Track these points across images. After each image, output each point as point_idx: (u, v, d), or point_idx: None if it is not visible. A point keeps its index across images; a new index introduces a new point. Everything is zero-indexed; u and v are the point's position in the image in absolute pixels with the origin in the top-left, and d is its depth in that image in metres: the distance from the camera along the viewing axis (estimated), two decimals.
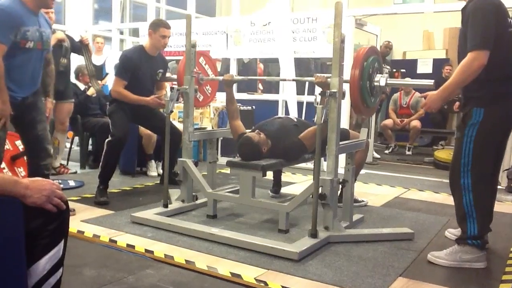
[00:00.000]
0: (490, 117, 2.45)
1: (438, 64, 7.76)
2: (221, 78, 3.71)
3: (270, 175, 3.84)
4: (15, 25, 2.69)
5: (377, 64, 2.91)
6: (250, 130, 3.47)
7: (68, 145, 5.73)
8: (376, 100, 3.03)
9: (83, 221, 3.17)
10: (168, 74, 4.24)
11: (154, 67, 3.97)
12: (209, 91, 3.97)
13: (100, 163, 3.81)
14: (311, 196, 2.83)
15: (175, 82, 3.84)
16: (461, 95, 2.63)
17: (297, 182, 4.78)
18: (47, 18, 3.02)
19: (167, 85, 4.38)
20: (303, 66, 6.72)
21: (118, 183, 4.38)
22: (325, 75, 3.04)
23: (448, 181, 2.78)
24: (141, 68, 3.88)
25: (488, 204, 2.60)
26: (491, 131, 2.49)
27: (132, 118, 3.96)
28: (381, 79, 2.88)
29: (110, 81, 6.45)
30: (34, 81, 2.94)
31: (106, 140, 3.80)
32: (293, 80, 4.12)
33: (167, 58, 4.29)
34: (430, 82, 2.79)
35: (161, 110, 4.13)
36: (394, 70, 7.62)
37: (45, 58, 3.03)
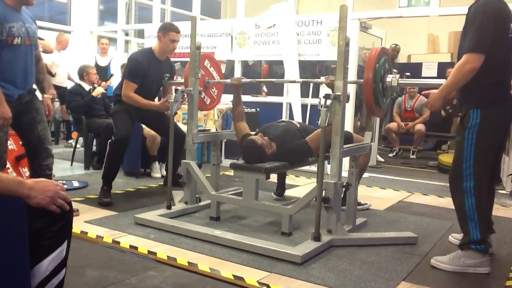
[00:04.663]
0: (488, 119, 2.47)
1: (443, 67, 7.73)
2: (228, 81, 3.71)
3: (274, 177, 3.84)
4: None
5: (388, 65, 2.94)
6: (254, 133, 3.47)
7: (72, 145, 5.77)
8: (387, 100, 3.06)
9: (87, 221, 3.17)
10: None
11: (161, 72, 3.97)
12: (215, 93, 3.98)
13: (104, 164, 3.82)
14: (314, 199, 2.83)
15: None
16: (457, 95, 2.65)
17: (301, 184, 4.77)
18: (30, 14, 3.01)
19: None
20: (308, 69, 6.72)
21: (122, 184, 4.39)
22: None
23: None
24: (149, 72, 3.87)
25: (489, 206, 2.60)
26: (491, 133, 2.50)
27: (137, 118, 3.98)
28: (392, 80, 2.91)
29: (114, 82, 6.48)
30: (27, 78, 2.94)
31: (109, 140, 3.81)
32: (303, 81, 4.13)
33: (172, 59, 4.28)
34: (441, 81, 2.82)
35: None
36: (398, 74, 7.60)
37: (35, 54, 3.02)
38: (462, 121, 2.55)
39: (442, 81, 2.82)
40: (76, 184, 4.33)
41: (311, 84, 5.74)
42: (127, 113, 3.85)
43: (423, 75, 8.06)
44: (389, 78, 2.93)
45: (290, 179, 4.76)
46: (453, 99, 2.92)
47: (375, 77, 2.83)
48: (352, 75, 5.06)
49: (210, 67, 3.87)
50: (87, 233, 2.95)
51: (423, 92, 2.97)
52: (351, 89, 5.06)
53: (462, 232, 2.62)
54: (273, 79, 4.27)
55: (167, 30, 3.85)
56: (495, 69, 2.43)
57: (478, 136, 2.47)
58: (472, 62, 2.38)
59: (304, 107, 5.62)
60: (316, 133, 3.24)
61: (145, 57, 3.90)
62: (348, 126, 5.01)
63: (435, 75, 7.96)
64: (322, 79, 3.21)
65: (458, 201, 2.58)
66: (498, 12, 2.41)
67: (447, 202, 4.16)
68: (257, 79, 4.07)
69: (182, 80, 3.83)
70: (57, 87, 6.36)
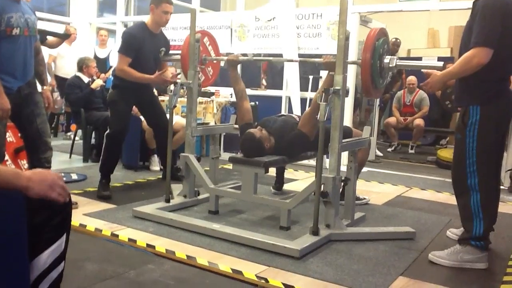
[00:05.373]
0: (488, 115, 2.47)
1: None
2: (225, 58, 3.69)
3: (272, 171, 3.84)
4: None
5: (387, 46, 2.94)
6: (255, 124, 3.48)
7: (71, 137, 5.76)
8: (384, 82, 3.06)
9: (85, 214, 3.18)
10: (172, 69, 4.21)
11: (157, 45, 3.89)
12: (211, 73, 3.94)
13: (101, 157, 3.81)
14: (313, 193, 2.83)
15: (179, 71, 3.84)
16: (455, 89, 2.66)
17: (300, 179, 4.78)
18: (30, 5, 2.99)
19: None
20: (308, 62, 6.69)
21: (120, 177, 4.39)
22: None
23: (450, 180, 2.78)
24: (144, 45, 3.77)
25: (494, 203, 2.60)
26: (491, 129, 2.50)
27: (134, 100, 3.93)
28: (391, 60, 2.91)
29: None
30: (27, 69, 2.92)
31: (105, 133, 3.80)
32: (300, 60, 4.19)
33: (172, 52, 4.25)
34: (440, 63, 2.85)
35: (162, 99, 4.09)
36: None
37: (34, 46, 3.01)
38: (462, 118, 2.54)
39: (440, 63, 2.84)
40: (75, 176, 4.33)
41: (311, 78, 5.73)
42: (124, 101, 3.79)
43: (423, 70, 8.03)
44: (387, 58, 2.93)
45: (289, 173, 4.76)
46: (452, 87, 2.93)
47: (373, 55, 2.83)
48: (351, 69, 5.05)
49: (209, 45, 3.82)
50: (86, 226, 2.95)
51: (423, 70, 2.97)
52: (351, 84, 5.06)
53: (464, 228, 2.62)
54: (271, 58, 4.34)
55: (160, 2, 3.75)
56: (497, 65, 2.41)
57: (479, 133, 2.47)
58: (480, 57, 2.36)
59: (303, 101, 5.61)
60: (304, 117, 3.27)
61: (138, 30, 3.82)
62: (347, 121, 5.01)
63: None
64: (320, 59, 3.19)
65: (463, 199, 2.57)
66: (506, 7, 2.39)
67: (446, 197, 4.18)
68: (254, 57, 4.18)
69: (179, 57, 3.77)
70: (63, 79, 6.32)
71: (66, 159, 5.27)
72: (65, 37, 4.64)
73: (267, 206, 3.41)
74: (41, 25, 4.52)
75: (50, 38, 5.12)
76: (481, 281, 2.42)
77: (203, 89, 4.86)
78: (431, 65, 2.90)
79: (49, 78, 6.28)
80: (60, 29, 6.63)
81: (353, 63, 3.33)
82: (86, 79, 5.33)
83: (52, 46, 5.19)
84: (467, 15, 2.58)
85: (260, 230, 2.97)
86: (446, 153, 5.81)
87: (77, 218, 3.02)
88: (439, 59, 7.93)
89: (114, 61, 6.68)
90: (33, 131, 3.02)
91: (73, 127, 5.71)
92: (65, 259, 1.55)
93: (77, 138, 5.65)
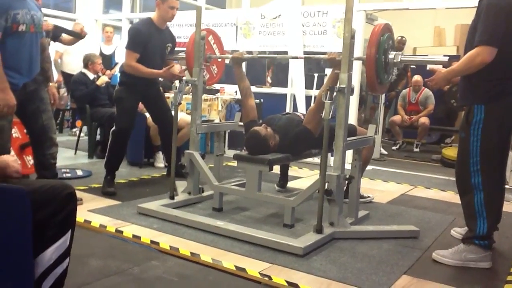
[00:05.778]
0: (492, 113, 2.46)
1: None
2: (230, 56, 3.69)
3: (277, 169, 3.84)
4: (4, 9, 2.66)
5: (391, 41, 2.94)
6: (260, 122, 3.48)
7: (77, 134, 5.77)
8: (389, 77, 3.06)
9: (90, 211, 3.19)
10: (178, 66, 4.21)
11: (163, 41, 3.90)
12: (215, 71, 3.94)
13: (106, 153, 3.82)
14: (317, 191, 2.83)
15: (185, 67, 3.85)
16: (459, 87, 2.66)
17: (304, 176, 4.77)
18: (36, 2, 2.99)
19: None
20: (313, 60, 6.68)
21: (125, 173, 4.41)
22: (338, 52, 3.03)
23: (454, 179, 2.77)
24: (151, 41, 3.77)
25: (498, 202, 2.60)
26: (496, 128, 2.49)
27: (142, 99, 3.94)
28: (395, 56, 2.92)
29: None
30: (32, 66, 2.92)
31: (111, 130, 3.81)
32: (305, 57, 4.20)
33: (177, 49, 4.25)
34: (445, 58, 2.85)
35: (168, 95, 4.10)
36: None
37: (40, 43, 3.02)
38: (466, 117, 2.54)
39: (445, 58, 2.84)
40: (80, 173, 4.35)
41: (316, 76, 5.72)
42: (130, 98, 3.80)
43: (428, 68, 8.00)
44: (391, 54, 2.93)
45: (293, 170, 4.76)
46: (457, 85, 2.93)
47: (378, 50, 2.83)
48: (356, 67, 5.04)
49: (213, 43, 3.82)
50: (90, 222, 2.97)
51: (429, 67, 2.98)
52: (356, 81, 5.05)
53: (468, 227, 2.62)
54: (275, 55, 4.36)
55: None
56: (501, 64, 2.40)
57: (483, 132, 2.46)
58: (484, 55, 2.36)
59: (308, 98, 5.60)
60: (308, 114, 3.29)
61: (145, 26, 3.82)
62: (352, 119, 5.00)
63: (441, 67, 7.89)
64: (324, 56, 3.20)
65: (467, 197, 2.57)
66: (511, 6, 2.38)
67: (450, 196, 4.17)
68: (259, 55, 4.30)
69: (184, 55, 3.77)
70: (69, 75, 6.34)
71: (71, 155, 5.29)
72: (80, 37, 4.69)
73: (271, 204, 3.42)
74: (59, 24, 4.58)
75: (65, 36, 5.15)
76: (484, 281, 2.41)
77: (207, 86, 4.87)
78: (436, 60, 2.90)
79: (56, 74, 6.31)
80: (67, 25, 6.64)
81: (358, 59, 3.33)
82: (91, 76, 5.35)
83: (66, 43, 5.25)
84: (473, 13, 2.57)
85: (264, 227, 2.98)
86: (451, 152, 5.78)
87: (81, 214, 3.04)
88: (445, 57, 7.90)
89: (120, 58, 6.71)
90: (38, 127, 3.04)
91: (79, 123, 5.73)
92: (69, 256, 1.56)
93: (82, 134, 5.67)
